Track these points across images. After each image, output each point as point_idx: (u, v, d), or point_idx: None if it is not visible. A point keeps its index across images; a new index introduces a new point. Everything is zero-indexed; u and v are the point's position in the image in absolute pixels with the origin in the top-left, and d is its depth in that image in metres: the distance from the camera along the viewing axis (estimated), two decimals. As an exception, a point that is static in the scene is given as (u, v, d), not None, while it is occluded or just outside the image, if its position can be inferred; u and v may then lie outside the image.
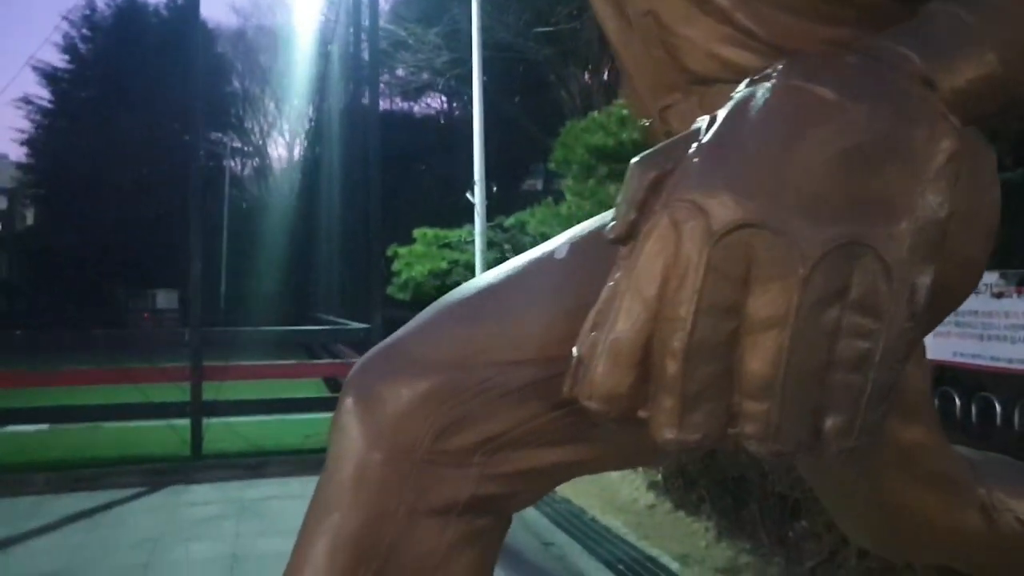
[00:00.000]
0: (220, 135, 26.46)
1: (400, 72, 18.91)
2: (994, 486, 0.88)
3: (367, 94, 8.47)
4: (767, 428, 0.39)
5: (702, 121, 0.42)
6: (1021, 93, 0.44)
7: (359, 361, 0.65)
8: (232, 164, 24.99)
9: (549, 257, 0.65)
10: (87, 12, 26.69)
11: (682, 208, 0.38)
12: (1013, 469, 0.95)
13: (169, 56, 19.71)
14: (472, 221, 8.31)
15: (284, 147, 19.72)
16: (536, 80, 15.11)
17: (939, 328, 3.28)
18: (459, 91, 17.59)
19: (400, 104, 22.82)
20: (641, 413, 0.41)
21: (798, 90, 0.39)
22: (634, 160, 0.43)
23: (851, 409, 0.39)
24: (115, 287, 24.00)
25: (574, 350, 0.43)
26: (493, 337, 0.60)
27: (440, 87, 18.81)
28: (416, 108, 23.05)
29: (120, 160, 22.66)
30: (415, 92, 21.12)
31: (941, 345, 3.12)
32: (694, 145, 0.41)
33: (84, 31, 26.87)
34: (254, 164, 23.94)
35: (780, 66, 0.42)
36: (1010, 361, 2.78)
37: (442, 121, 20.96)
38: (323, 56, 18.25)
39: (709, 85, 0.61)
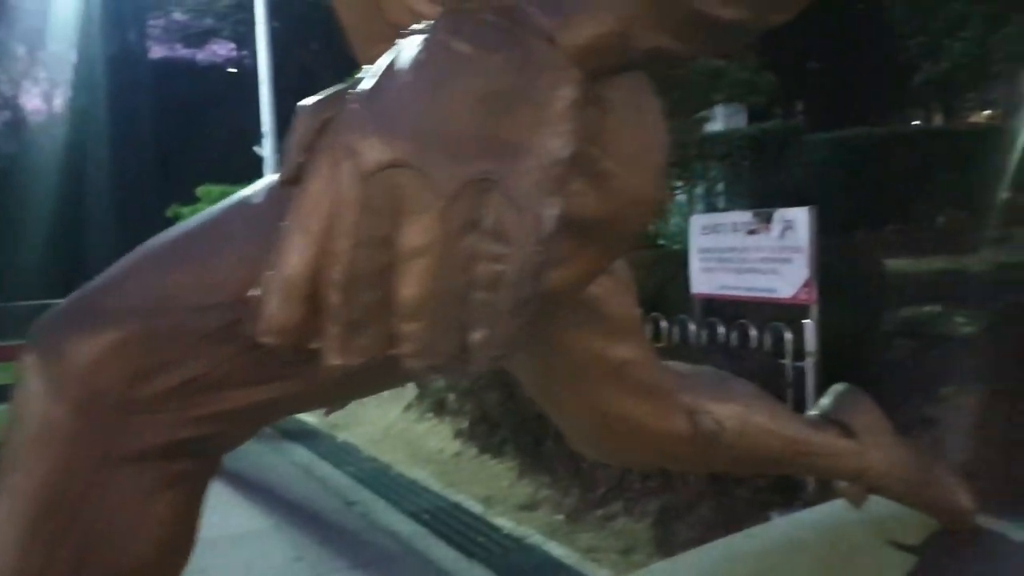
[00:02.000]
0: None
1: (179, 16, 17.30)
2: (700, 393, 1.02)
3: (135, 38, 7.61)
4: (421, 346, 0.44)
5: (367, 71, 0.46)
6: (646, 50, 0.48)
7: (42, 317, 0.63)
8: (-24, 118, 21.62)
9: (246, 201, 0.66)
10: None
11: (339, 150, 0.43)
12: (717, 378, 1.11)
13: None
14: (263, 176, 7.82)
15: (41, 98, 17.37)
16: (334, 25, 14.44)
17: (707, 265, 3.69)
18: (249, 37, 16.46)
19: (182, 51, 20.94)
20: (313, 344, 0.45)
21: (441, 44, 0.44)
22: (300, 104, 0.47)
23: (491, 323, 0.44)
24: None
25: (255, 290, 0.46)
26: (186, 282, 0.60)
27: (226, 33, 17.43)
28: (201, 55, 21.30)
29: None
30: (198, 38, 19.46)
31: (710, 280, 3.40)
32: (353, 92, 0.45)
33: None
34: (4, 118, 20.97)
35: (434, 23, 0.46)
36: (761, 290, 3.10)
37: (231, 70, 19.51)
38: (83, -7, 16.21)
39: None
